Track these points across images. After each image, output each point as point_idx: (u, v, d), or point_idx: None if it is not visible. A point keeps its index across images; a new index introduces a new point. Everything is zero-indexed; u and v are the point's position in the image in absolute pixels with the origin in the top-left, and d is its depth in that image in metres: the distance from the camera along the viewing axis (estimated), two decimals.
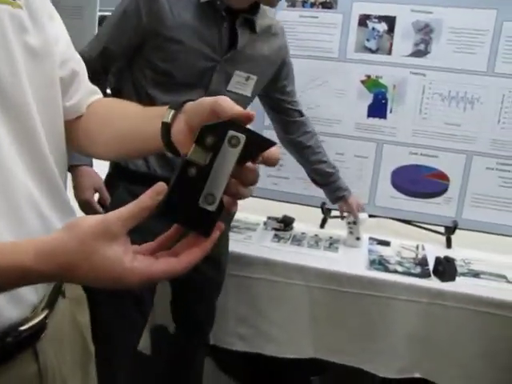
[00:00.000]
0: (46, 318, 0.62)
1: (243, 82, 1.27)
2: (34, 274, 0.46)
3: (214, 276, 1.45)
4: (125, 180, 1.25)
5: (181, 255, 0.48)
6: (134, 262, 0.46)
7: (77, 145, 0.76)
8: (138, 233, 0.50)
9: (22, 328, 0.58)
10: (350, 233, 1.58)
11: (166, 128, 0.57)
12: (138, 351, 1.53)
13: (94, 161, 1.37)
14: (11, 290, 0.49)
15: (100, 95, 0.78)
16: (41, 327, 0.61)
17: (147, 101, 1.18)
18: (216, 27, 1.20)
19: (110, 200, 1.27)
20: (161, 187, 0.47)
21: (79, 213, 0.97)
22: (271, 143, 0.49)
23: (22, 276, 0.46)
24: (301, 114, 1.46)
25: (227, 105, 0.50)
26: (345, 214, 1.56)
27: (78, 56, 0.75)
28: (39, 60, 0.58)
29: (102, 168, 1.37)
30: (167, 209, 0.46)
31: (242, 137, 0.46)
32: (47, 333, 0.63)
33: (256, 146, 0.48)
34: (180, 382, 1.57)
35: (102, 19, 1.61)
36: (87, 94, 0.75)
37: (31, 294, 0.59)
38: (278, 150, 0.50)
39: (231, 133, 0.46)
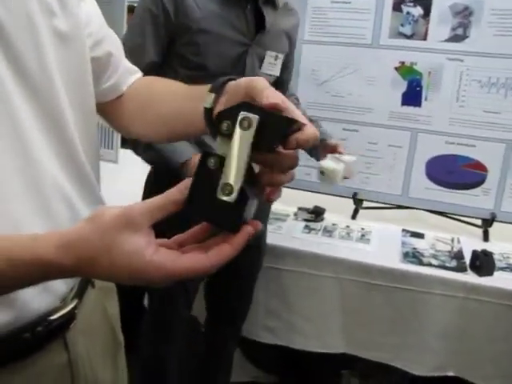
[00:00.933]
0: (75, 307, 0.62)
1: (273, 62, 1.26)
2: (55, 268, 0.44)
3: (254, 261, 1.43)
4: (168, 176, 1.23)
5: (210, 251, 0.44)
6: (156, 255, 0.43)
7: (118, 125, 0.75)
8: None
9: (52, 318, 0.58)
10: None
11: (208, 112, 0.55)
12: None
13: (126, 163, 1.34)
14: (35, 286, 0.47)
15: (140, 74, 0.77)
16: (70, 317, 0.61)
17: None
18: (241, 10, 1.18)
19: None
20: (187, 183, 0.44)
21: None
22: (292, 121, 0.44)
23: (43, 270, 0.44)
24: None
25: (260, 86, 0.47)
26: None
27: (114, 35, 0.73)
28: (67, 44, 0.57)
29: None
30: (191, 204, 0.43)
31: (255, 117, 0.42)
32: (77, 322, 0.63)
33: (275, 127, 0.43)
34: (209, 373, 1.57)
35: (131, 8, 1.60)
36: (126, 73, 0.74)
37: (60, 284, 0.58)
38: (311, 130, 0.46)
39: (242, 114, 0.42)
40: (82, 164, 0.60)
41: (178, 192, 0.44)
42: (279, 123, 0.44)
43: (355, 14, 1.60)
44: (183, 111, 0.63)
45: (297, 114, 0.47)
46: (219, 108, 0.53)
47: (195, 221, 0.47)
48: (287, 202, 1.72)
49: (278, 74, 1.28)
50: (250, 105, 0.43)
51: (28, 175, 0.52)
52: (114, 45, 0.72)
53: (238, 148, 0.42)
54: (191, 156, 1.15)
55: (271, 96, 0.45)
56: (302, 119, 0.47)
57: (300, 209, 1.67)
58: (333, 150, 1.34)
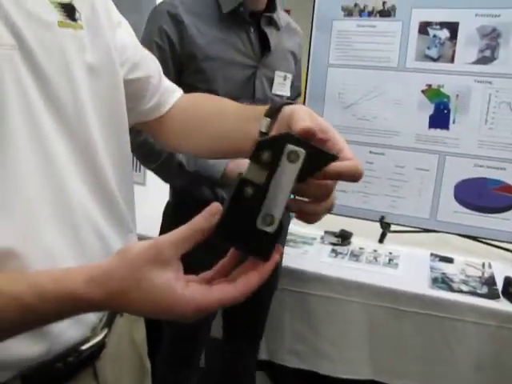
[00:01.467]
0: (105, 337, 0.62)
1: (282, 83, 1.26)
2: (85, 303, 0.44)
3: (270, 282, 1.42)
4: (188, 208, 1.24)
5: (237, 280, 0.45)
6: (186, 289, 0.43)
7: (165, 141, 0.77)
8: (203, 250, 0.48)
9: (83, 348, 0.58)
10: None
11: (263, 136, 0.56)
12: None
13: (154, 185, 1.35)
14: (64, 320, 0.48)
15: (180, 92, 0.78)
16: (100, 346, 0.62)
17: None
18: (245, 33, 1.19)
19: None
20: (216, 208, 0.44)
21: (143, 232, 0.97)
22: (333, 157, 0.45)
23: (72, 305, 0.44)
24: None
25: (298, 117, 0.48)
26: None
27: (151, 56, 0.75)
28: (99, 76, 0.59)
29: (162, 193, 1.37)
30: (223, 231, 0.44)
31: (302, 152, 0.43)
32: (106, 351, 0.63)
33: (317, 161, 0.44)
34: None
35: None
36: (167, 93, 0.75)
37: (91, 315, 0.59)
38: (355, 163, 0.47)
39: (289, 147, 0.43)
40: (113, 192, 0.62)
41: (204, 220, 0.44)
42: (323, 157, 0.45)
43: (381, 37, 1.60)
44: (235, 133, 0.64)
45: (341, 143, 0.49)
46: (276, 128, 0.54)
47: (221, 247, 0.47)
48: (314, 226, 1.71)
49: (288, 93, 1.29)
50: (293, 137, 0.44)
51: (60, 206, 0.53)
52: (151, 66, 0.74)
53: (283, 180, 0.43)
54: (227, 164, 1.16)
55: (306, 124, 0.46)
56: (346, 149, 0.48)
57: (326, 232, 1.66)
58: None
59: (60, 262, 0.52)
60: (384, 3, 1.59)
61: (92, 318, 0.59)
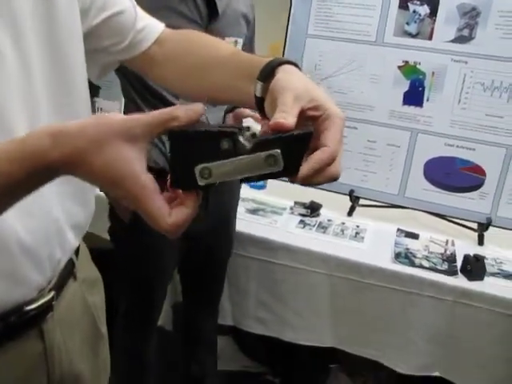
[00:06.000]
0: (52, 299, 0.63)
1: None
2: (51, 161, 0.43)
3: (223, 246, 1.46)
4: None
5: (173, 210, 0.45)
6: (143, 174, 0.43)
7: (161, 83, 0.76)
8: None
9: (27, 308, 0.59)
10: None
11: (259, 99, 0.57)
12: (161, 326, 1.57)
13: None
14: (33, 191, 0.46)
15: (162, 26, 0.75)
16: (46, 308, 0.62)
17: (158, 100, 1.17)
18: None
19: None
20: (201, 108, 0.45)
21: None
22: (310, 133, 0.46)
23: (39, 163, 0.43)
24: None
25: (281, 101, 0.49)
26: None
27: None
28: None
29: None
30: (177, 138, 0.44)
31: (280, 161, 0.44)
32: (55, 314, 0.64)
33: (298, 144, 0.46)
34: (193, 355, 1.60)
35: None
36: (147, 28, 0.72)
37: (36, 276, 0.59)
38: (325, 155, 0.48)
39: (269, 152, 0.44)
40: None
41: (182, 110, 0.44)
42: (302, 139, 0.46)
43: (361, 9, 1.58)
44: (232, 89, 0.64)
45: (332, 120, 0.50)
46: (268, 98, 0.54)
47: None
48: (284, 196, 1.73)
49: None
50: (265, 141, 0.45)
51: None
52: (124, 2, 0.71)
53: (251, 168, 0.44)
54: None
55: (279, 117, 0.46)
56: (331, 130, 0.49)
57: (296, 203, 1.67)
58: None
59: None
60: None
61: (37, 279, 0.60)
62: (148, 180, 0.44)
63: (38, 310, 0.61)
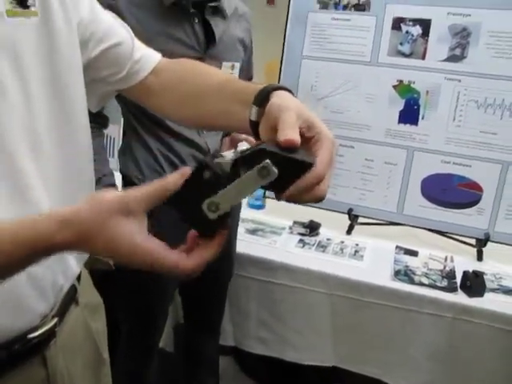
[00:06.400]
0: (55, 326, 0.64)
1: (230, 73, 1.25)
2: (58, 244, 0.47)
3: (224, 269, 1.46)
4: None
5: (192, 253, 0.49)
6: (148, 241, 0.47)
7: (157, 111, 0.77)
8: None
9: (31, 336, 0.60)
10: None
11: (254, 124, 0.59)
12: (162, 348, 1.56)
13: None
14: (36, 263, 0.50)
15: (159, 56, 0.77)
16: (50, 335, 0.63)
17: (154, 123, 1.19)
18: (188, 25, 1.17)
19: None
20: (186, 172, 0.47)
21: None
22: (310, 165, 0.48)
23: (46, 247, 0.47)
24: None
25: (285, 121, 0.50)
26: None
27: (121, 22, 0.75)
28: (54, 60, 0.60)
29: None
30: (176, 199, 0.47)
31: (274, 173, 0.45)
32: (57, 339, 0.65)
33: (295, 169, 0.47)
34: (194, 376, 1.59)
35: None
36: (144, 58, 0.74)
37: (40, 304, 0.60)
38: (314, 175, 0.49)
39: (264, 164, 0.45)
40: None
41: (172, 183, 0.47)
42: (300, 167, 0.48)
43: (355, 31, 1.61)
44: (227, 114, 0.66)
45: (323, 141, 0.52)
46: (264, 121, 0.56)
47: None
48: (283, 216, 1.74)
49: None
50: (268, 153, 0.46)
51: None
52: (121, 33, 0.73)
53: (246, 185, 0.46)
54: None
55: (290, 134, 0.48)
56: (323, 152, 0.50)
57: (295, 223, 1.68)
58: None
59: None
60: None
61: (40, 307, 0.60)
62: (152, 245, 0.47)
63: (40, 338, 0.61)
